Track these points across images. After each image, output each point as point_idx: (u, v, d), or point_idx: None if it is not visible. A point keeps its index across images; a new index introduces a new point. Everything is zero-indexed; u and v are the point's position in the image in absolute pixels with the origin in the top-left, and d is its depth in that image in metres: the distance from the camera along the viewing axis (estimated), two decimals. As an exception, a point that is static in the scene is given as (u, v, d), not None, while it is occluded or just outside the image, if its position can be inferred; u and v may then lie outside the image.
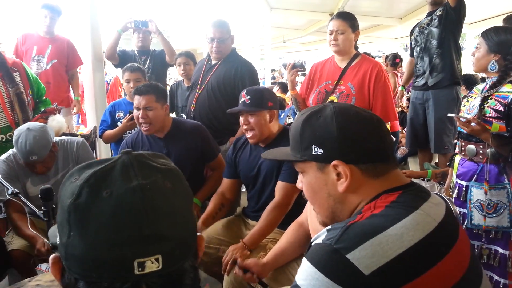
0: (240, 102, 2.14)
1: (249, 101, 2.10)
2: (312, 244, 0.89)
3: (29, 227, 1.99)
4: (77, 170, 0.62)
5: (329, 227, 0.88)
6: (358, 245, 0.80)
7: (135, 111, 2.43)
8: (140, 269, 0.56)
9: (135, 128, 2.90)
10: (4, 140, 2.78)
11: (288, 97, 6.57)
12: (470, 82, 5.22)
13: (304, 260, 0.86)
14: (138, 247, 0.56)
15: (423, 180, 2.72)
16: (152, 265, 0.57)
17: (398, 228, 0.83)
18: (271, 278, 1.77)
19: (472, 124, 1.98)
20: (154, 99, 2.39)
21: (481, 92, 2.10)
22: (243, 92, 2.14)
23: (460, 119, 2.03)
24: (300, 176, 1.03)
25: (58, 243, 0.62)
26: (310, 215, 1.49)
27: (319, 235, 0.88)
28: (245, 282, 1.80)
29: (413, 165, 4.92)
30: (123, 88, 3.74)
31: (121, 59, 3.71)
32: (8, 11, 6.11)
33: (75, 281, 0.59)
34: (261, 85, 4.80)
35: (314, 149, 0.94)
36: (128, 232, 0.56)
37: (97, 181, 0.59)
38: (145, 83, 2.47)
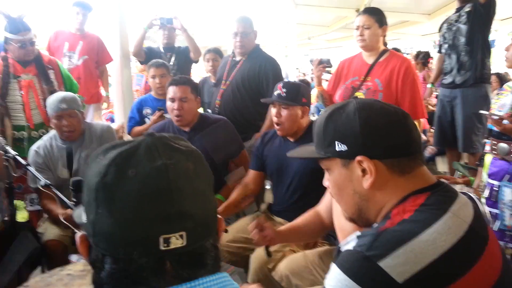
0: (275, 93, 2.14)
1: (284, 94, 2.10)
2: (342, 249, 0.88)
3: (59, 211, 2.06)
4: (102, 151, 0.65)
5: (359, 233, 0.87)
6: (390, 252, 0.79)
7: (169, 102, 2.43)
8: (165, 244, 0.59)
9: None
10: (36, 136, 2.85)
11: (314, 94, 6.50)
12: (501, 79, 5.06)
13: (334, 266, 0.85)
14: (163, 223, 0.59)
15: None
16: (177, 241, 0.59)
17: (430, 234, 0.81)
18: (294, 273, 1.77)
19: (504, 122, 1.92)
20: (189, 90, 2.40)
21: (514, 89, 2.04)
22: (280, 85, 2.14)
23: (492, 116, 1.98)
24: (326, 174, 1.02)
25: (85, 221, 0.64)
26: (335, 212, 1.48)
27: (349, 241, 0.87)
28: (270, 274, 1.81)
29: (441, 165, 4.82)
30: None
31: (147, 56, 3.76)
32: (40, 9, 6.31)
33: (102, 257, 0.61)
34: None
35: (338, 146, 0.93)
36: (154, 209, 0.59)
37: (122, 160, 0.61)
38: (180, 75, 2.49)
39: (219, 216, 0.69)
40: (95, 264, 0.63)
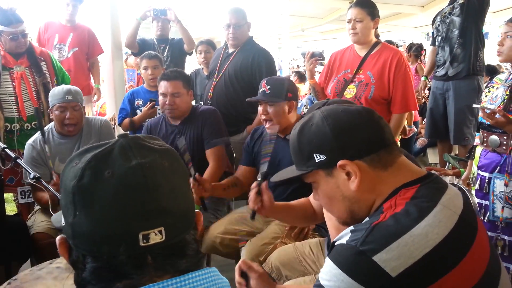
0: (260, 91, 2.13)
1: (269, 91, 2.08)
2: (335, 244, 0.89)
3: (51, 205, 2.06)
4: (77, 155, 0.65)
5: (352, 227, 0.88)
6: (384, 247, 0.80)
7: (160, 97, 2.41)
8: (145, 241, 0.60)
9: (158, 114, 2.92)
10: (29, 128, 2.84)
11: (307, 86, 6.48)
12: (493, 72, 5.06)
13: (328, 260, 0.86)
14: (142, 221, 0.60)
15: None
16: (156, 237, 0.60)
17: (422, 227, 0.82)
18: (284, 264, 1.78)
19: (497, 115, 1.93)
20: (182, 85, 2.38)
21: (505, 82, 2.05)
22: (263, 82, 2.12)
23: (485, 110, 1.98)
24: (314, 190, 1.03)
25: (63, 224, 0.64)
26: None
27: (342, 236, 0.88)
28: (260, 266, 1.80)
29: (432, 156, 4.85)
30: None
31: (140, 48, 3.73)
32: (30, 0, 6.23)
33: (83, 257, 0.62)
34: (278, 74, 4.77)
35: (317, 157, 0.95)
36: (132, 208, 0.60)
37: (98, 163, 0.62)
38: (171, 69, 2.45)
39: (197, 210, 0.70)
40: (76, 264, 0.63)
